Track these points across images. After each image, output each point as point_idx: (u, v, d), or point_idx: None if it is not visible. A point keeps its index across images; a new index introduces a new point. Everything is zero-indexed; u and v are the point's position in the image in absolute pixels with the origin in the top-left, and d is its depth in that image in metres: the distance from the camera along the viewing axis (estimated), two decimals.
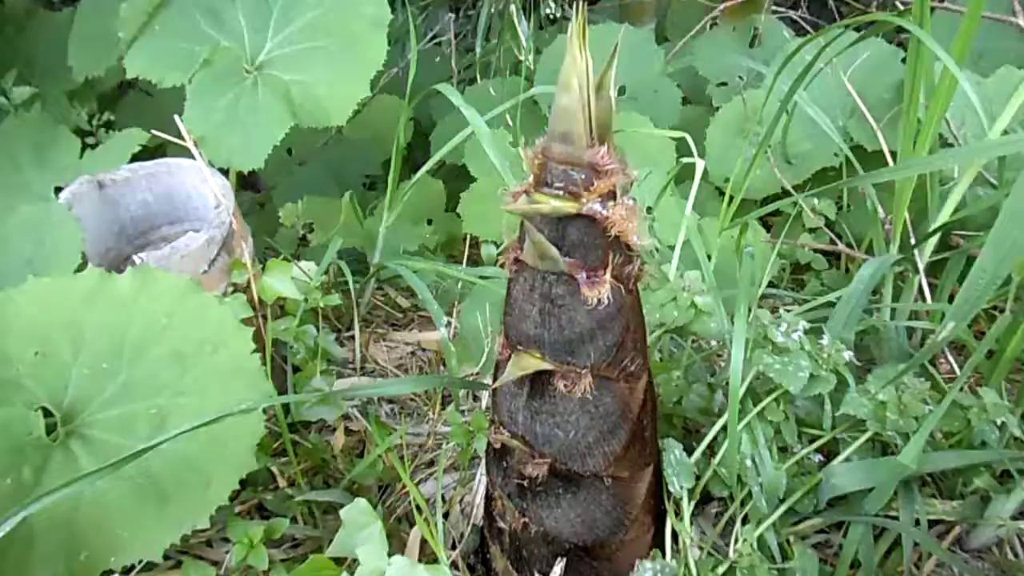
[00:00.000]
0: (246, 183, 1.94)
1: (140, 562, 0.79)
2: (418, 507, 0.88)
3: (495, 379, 0.71)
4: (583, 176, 0.60)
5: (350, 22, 1.28)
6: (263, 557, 0.84)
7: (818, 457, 0.96)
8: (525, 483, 0.75)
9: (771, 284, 1.53)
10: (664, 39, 2.14)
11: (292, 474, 1.02)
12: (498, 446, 0.77)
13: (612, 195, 0.62)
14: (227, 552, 0.93)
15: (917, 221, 1.19)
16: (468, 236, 1.47)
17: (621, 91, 1.62)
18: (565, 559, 0.80)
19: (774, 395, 0.91)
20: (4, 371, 0.80)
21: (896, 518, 0.92)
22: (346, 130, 1.95)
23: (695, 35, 1.77)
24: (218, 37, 1.24)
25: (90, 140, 1.43)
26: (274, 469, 1.03)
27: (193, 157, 1.08)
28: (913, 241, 1.15)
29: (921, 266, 1.13)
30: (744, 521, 0.91)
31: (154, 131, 1.07)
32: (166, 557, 0.84)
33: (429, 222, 1.61)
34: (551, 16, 1.79)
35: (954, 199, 1.09)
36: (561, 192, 0.61)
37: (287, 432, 0.95)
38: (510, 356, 0.69)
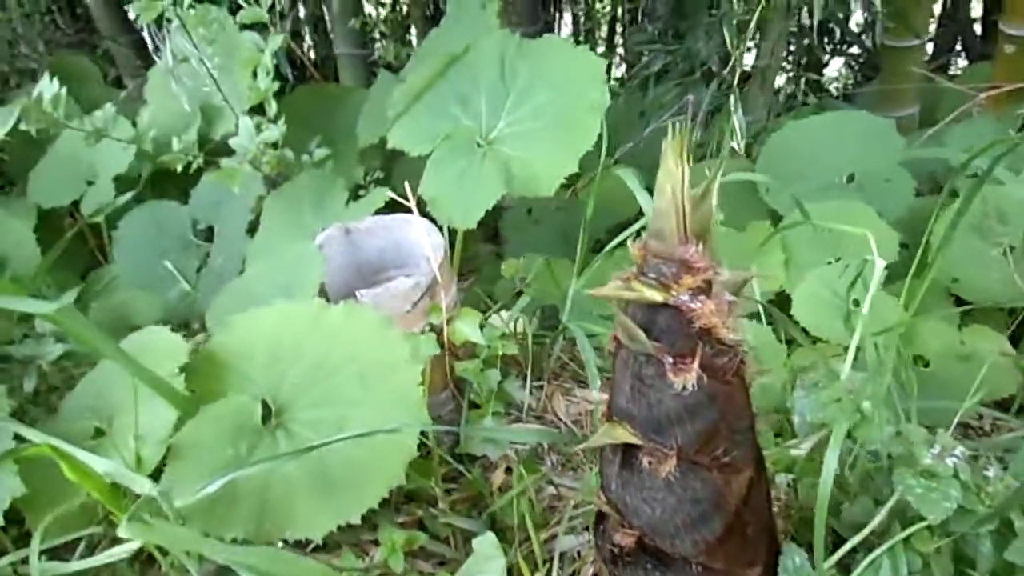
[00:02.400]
0: (487, 236, 2.19)
1: (305, 540, 0.97)
2: (534, 563, 0.94)
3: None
4: (673, 270, 0.65)
5: (574, 106, 1.43)
6: (399, 561, 0.97)
7: None
8: (616, 551, 0.79)
9: (1003, 406, 1.34)
10: (930, 124, 1.99)
11: (453, 500, 1.16)
12: (598, 510, 0.82)
13: (705, 290, 0.65)
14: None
15: None
16: None
17: (850, 178, 1.55)
18: None
19: (925, 523, 0.83)
20: (245, 367, 1.05)
21: None
22: (581, 194, 2.11)
23: (953, 122, 1.63)
24: (461, 116, 1.47)
25: (361, 193, 1.76)
26: (438, 491, 1.17)
27: (422, 215, 1.29)
28: None
29: None
30: None
31: (391, 194, 1.31)
32: (328, 541, 1.01)
33: None
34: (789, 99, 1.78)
35: None
36: (653, 282, 0.66)
37: (438, 458, 1.09)
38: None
